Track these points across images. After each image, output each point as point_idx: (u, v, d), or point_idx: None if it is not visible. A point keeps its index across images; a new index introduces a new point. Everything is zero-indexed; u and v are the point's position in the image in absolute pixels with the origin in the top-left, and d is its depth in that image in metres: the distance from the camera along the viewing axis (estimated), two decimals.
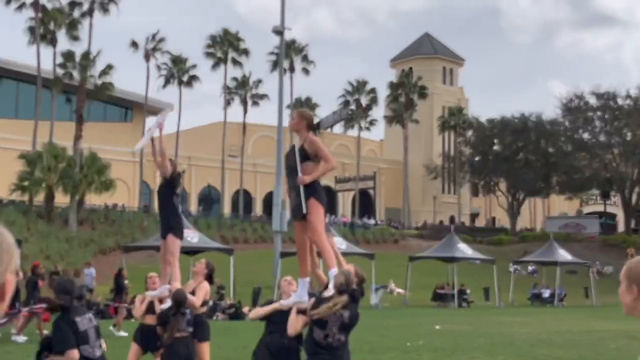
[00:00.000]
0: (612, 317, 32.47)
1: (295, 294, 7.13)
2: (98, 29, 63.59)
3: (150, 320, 9.48)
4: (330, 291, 6.69)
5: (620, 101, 77.42)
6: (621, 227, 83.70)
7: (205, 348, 9.03)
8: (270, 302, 7.56)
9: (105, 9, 60.82)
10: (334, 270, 6.86)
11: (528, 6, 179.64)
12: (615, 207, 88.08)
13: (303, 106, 64.24)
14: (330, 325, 6.37)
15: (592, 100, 79.16)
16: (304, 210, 6.84)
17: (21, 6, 58.28)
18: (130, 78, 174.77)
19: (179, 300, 8.33)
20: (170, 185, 9.26)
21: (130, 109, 77.70)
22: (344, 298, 6.45)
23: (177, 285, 8.94)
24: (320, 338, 6.36)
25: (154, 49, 66.97)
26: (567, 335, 23.00)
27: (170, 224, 9.08)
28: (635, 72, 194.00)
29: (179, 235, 9.15)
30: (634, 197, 78.86)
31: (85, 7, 60.25)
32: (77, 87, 58.80)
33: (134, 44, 66.17)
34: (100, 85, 59.69)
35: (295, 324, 6.82)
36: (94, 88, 59.72)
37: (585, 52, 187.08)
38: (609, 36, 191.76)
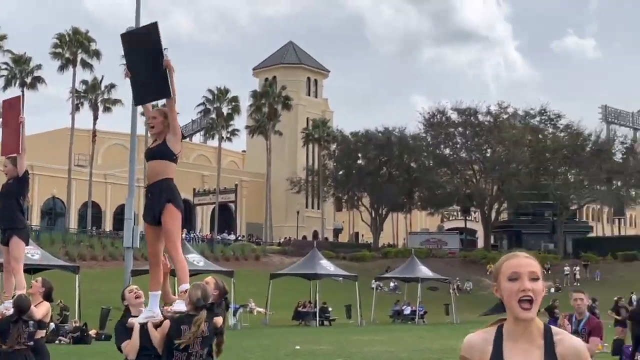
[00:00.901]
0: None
1: (147, 309, 6.84)
2: None
3: None
4: (182, 306, 6.56)
5: (480, 117, 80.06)
6: (481, 243, 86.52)
7: None
8: (123, 324, 7.10)
9: None
10: (186, 286, 6.66)
11: (392, 17, 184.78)
12: (475, 222, 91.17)
13: None
14: (193, 344, 6.29)
15: (454, 116, 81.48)
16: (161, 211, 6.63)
17: None
18: None
19: (22, 306, 7.88)
20: (21, 184, 8.51)
21: None
22: (204, 314, 6.37)
23: (21, 292, 8.37)
24: None
25: None
26: (427, 354, 23.19)
27: (15, 224, 8.36)
28: (495, 88, 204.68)
29: (24, 237, 8.46)
30: (493, 214, 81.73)
31: None
32: None
33: None
34: None
35: (161, 343, 6.56)
36: None
37: (448, 67, 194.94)
38: (470, 52, 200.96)
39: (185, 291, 6.59)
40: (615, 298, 25.80)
